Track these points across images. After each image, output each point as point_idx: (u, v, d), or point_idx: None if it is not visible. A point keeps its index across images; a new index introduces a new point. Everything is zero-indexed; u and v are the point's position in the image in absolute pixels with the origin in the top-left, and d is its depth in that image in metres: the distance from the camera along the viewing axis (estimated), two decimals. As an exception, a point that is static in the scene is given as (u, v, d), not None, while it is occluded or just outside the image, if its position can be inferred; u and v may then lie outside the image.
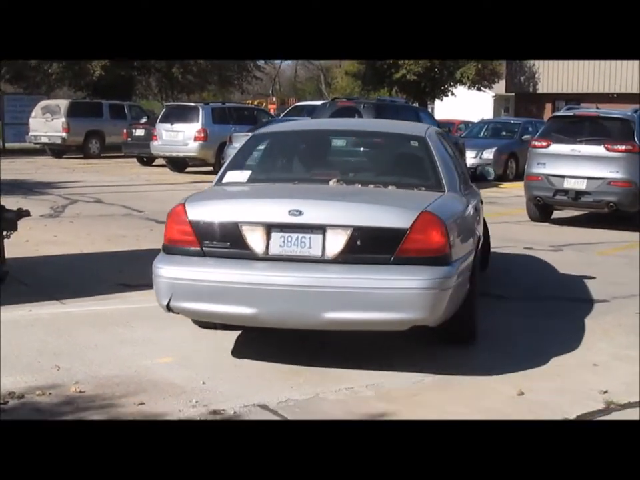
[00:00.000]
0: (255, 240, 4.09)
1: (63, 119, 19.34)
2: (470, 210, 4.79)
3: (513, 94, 29.43)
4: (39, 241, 7.31)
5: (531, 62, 26.73)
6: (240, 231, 4.12)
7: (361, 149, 5.67)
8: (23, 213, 5.71)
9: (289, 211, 4.10)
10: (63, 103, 20.40)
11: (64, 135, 19.35)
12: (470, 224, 4.72)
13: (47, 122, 19.44)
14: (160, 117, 17.32)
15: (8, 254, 5.56)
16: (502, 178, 15.57)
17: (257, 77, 28.72)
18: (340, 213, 4.16)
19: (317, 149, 5.42)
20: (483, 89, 26.91)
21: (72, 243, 7.50)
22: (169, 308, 4.12)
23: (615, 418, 3.43)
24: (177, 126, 15.97)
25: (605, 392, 3.80)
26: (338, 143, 5.55)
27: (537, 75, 27.01)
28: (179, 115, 16.79)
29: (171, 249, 4.25)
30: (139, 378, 3.90)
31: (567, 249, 7.79)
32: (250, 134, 6.58)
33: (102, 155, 20.08)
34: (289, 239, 4.08)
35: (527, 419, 3.42)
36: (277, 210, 4.18)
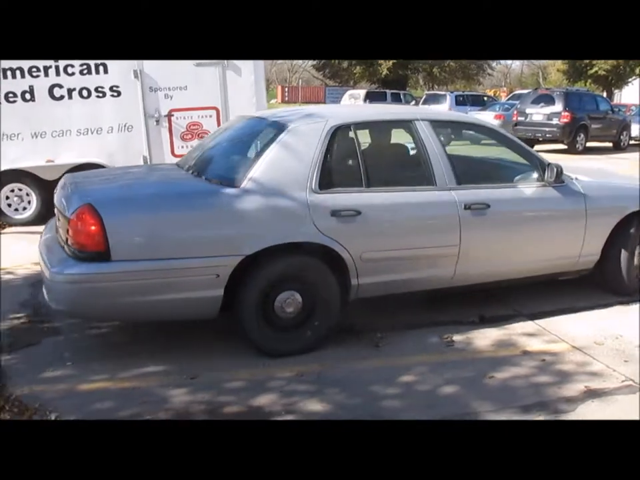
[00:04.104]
0: None
1: (362, 102, 27.55)
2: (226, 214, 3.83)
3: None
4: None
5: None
6: None
7: (245, 137, 4.78)
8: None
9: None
10: (362, 92, 29.11)
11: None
12: (204, 228, 3.79)
13: (352, 103, 28.67)
14: (422, 100, 24.77)
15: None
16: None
17: (490, 73, 36.67)
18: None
19: (223, 134, 4.93)
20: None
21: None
22: None
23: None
24: (432, 106, 22.87)
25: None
26: (240, 129, 4.86)
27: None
28: (434, 99, 24.14)
29: None
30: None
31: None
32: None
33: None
34: None
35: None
36: None
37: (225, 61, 8.27)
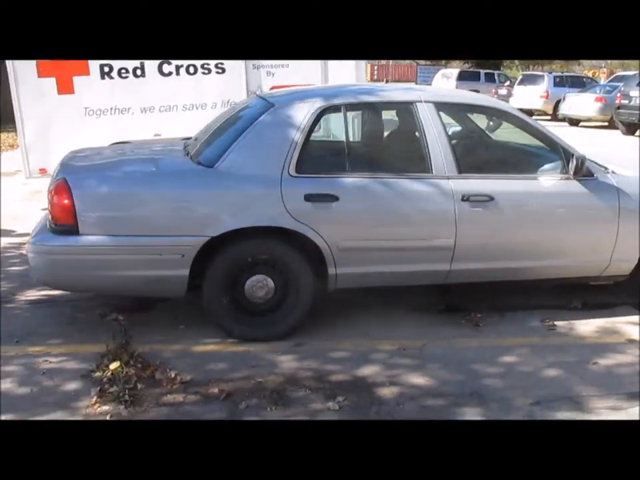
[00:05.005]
0: None
1: (455, 82, 26.87)
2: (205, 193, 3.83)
3: None
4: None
5: None
6: None
7: (240, 118, 4.45)
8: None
9: None
10: (455, 71, 28.42)
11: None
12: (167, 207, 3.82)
13: (445, 83, 27.42)
14: (518, 81, 23.96)
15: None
16: None
17: (590, 53, 35.21)
18: None
19: (226, 114, 4.79)
20: None
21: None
22: None
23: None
24: (529, 88, 22.50)
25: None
26: (241, 110, 4.60)
27: None
28: (530, 80, 23.23)
29: None
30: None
31: None
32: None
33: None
34: None
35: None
36: None
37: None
